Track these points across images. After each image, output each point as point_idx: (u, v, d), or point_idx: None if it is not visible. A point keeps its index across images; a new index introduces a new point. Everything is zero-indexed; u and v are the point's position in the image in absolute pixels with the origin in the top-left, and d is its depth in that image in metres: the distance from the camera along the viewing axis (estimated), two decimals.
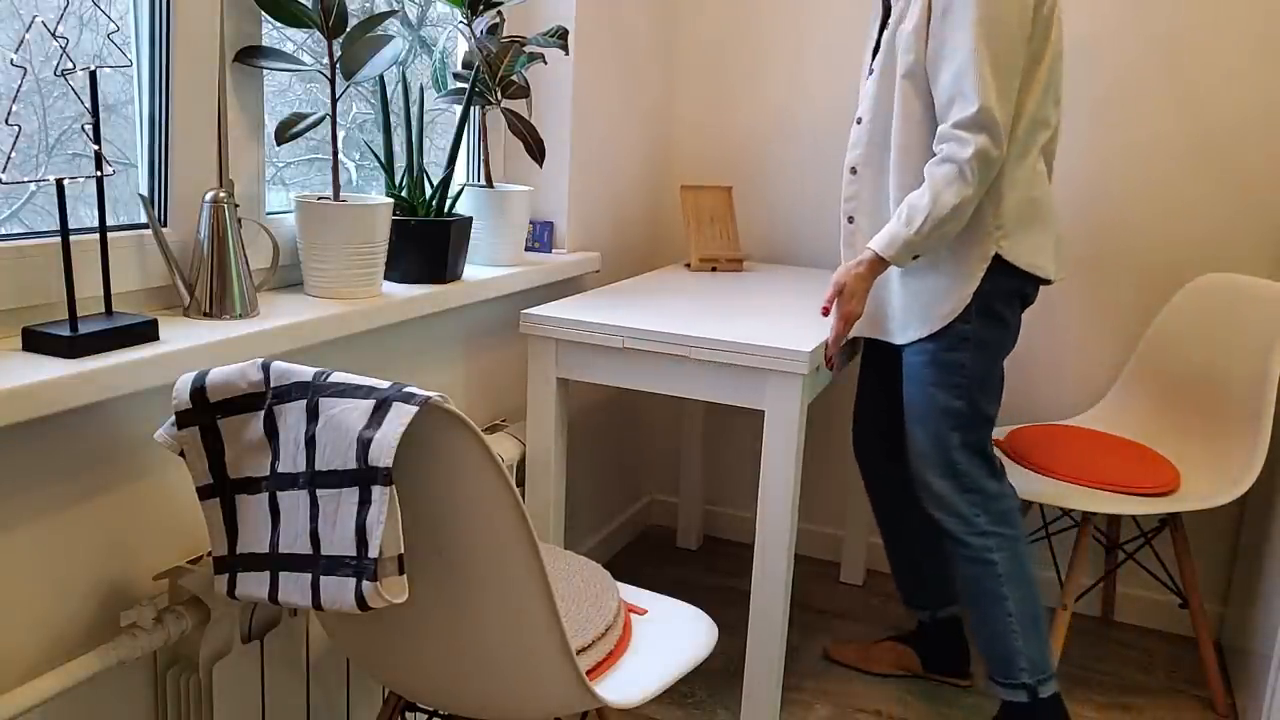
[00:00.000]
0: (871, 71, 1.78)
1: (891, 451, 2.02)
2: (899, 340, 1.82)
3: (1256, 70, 2.20)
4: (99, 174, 1.17)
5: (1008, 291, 1.75)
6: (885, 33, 1.74)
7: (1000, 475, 1.83)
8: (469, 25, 1.81)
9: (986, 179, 1.63)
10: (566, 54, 2.02)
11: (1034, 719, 1.84)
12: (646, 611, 1.43)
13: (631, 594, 1.48)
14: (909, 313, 1.79)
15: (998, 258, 1.71)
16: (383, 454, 0.94)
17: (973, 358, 1.76)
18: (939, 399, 1.78)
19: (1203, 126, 2.25)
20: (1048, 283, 1.77)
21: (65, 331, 1.12)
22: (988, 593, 1.82)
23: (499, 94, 1.88)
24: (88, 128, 1.16)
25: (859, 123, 1.81)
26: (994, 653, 1.85)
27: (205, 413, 1.07)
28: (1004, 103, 1.62)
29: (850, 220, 1.84)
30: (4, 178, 1.06)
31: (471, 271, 1.88)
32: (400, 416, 0.95)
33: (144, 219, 1.36)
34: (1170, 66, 2.25)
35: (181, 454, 1.09)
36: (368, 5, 1.79)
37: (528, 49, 1.86)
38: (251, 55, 1.44)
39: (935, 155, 1.66)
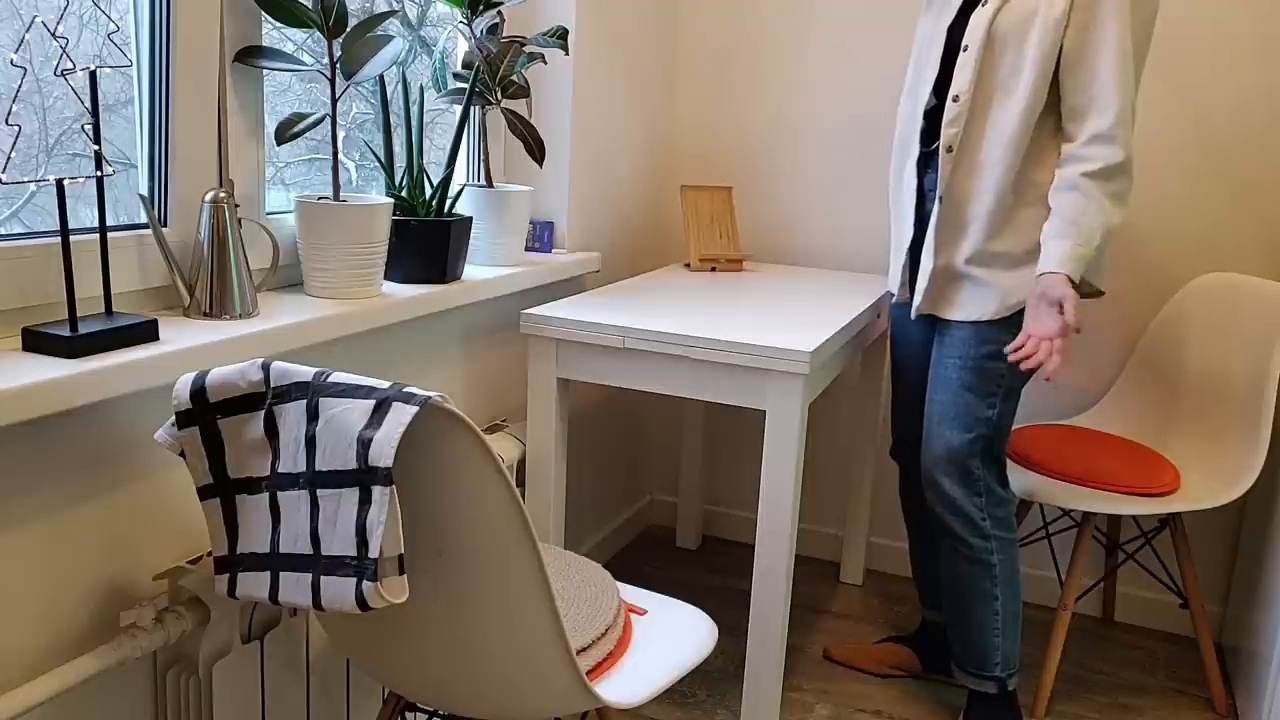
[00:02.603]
0: (965, 48, 1.71)
1: None
2: (946, 314, 1.82)
3: (1256, 69, 2.19)
4: (99, 174, 1.17)
5: None
6: (982, 9, 1.70)
7: (1005, 480, 1.85)
8: (469, 25, 1.81)
9: (1130, 170, 1.67)
10: (566, 54, 2.02)
11: (1001, 709, 1.89)
12: (646, 611, 1.43)
13: (631, 594, 1.48)
14: (972, 291, 1.78)
15: None
16: (383, 454, 0.94)
17: (1011, 370, 1.78)
18: (972, 405, 1.79)
19: (1203, 126, 2.25)
20: (1099, 294, 1.80)
21: (65, 331, 1.12)
22: (981, 592, 1.84)
23: (499, 94, 1.88)
24: (88, 128, 1.16)
25: (955, 100, 1.73)
26: (972, 647, 1.88)
27: (205, 413, 1.07)
28: (1135, 90, 1.66)
29: (941, 200, 1.79)
30: (4, 178, 1.06)
31: (471, 271, 1.88)
32: (400, 416, 0.95)
33: (144, 219, 1.36)
34: (1169, 66, 2.25)
35: (181, 454, 1.09)
36: (368, 5, 1.79)
37: (528, 49, 1.86)
38: (251, 55, 1.44)
39: (1081, 159, 1.65)
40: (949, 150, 1.76)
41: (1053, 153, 1.72)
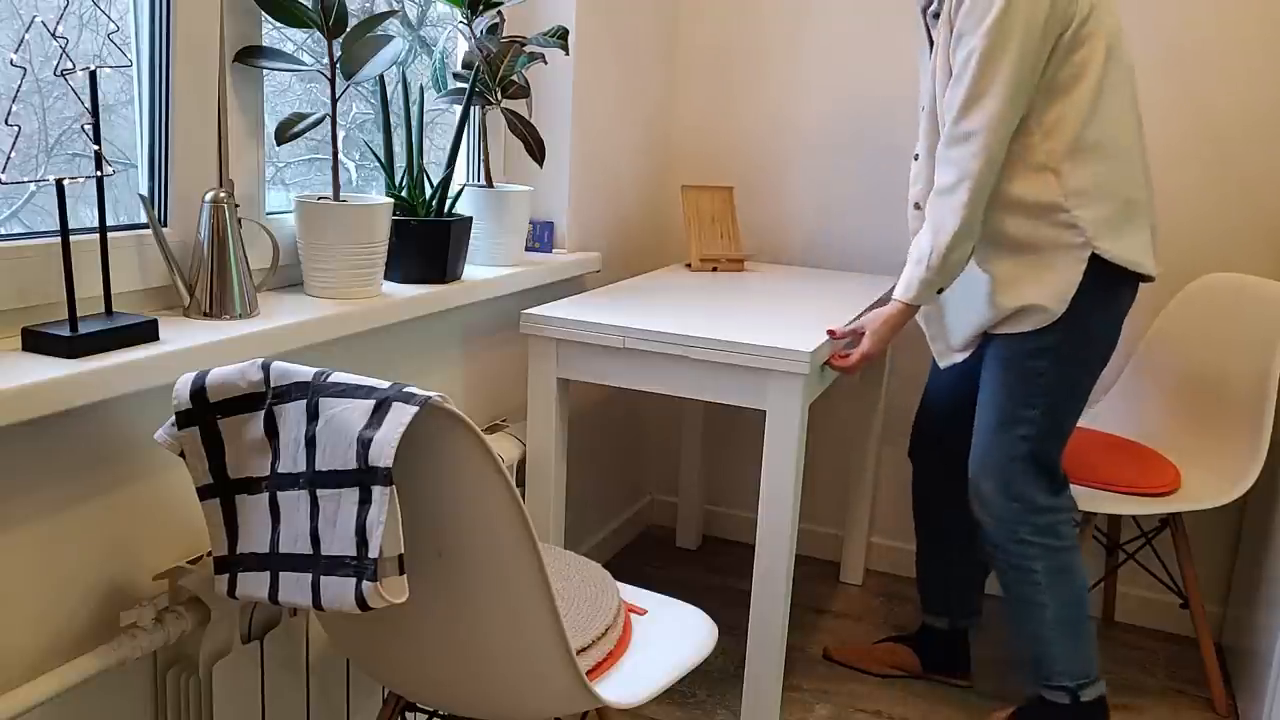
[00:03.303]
0: (923, 108, 1.76)
1: (952, 451, 2.00)
2: (968, 333, 1.81)
3: (1258, 70, 2.19)
4: (99, 174, 1.17)
5: (1101, 300, 1.71)
6: (929, 67, 1.72)
7: (1057, 489, 1.79)
8: (469, 25, 1.81)
9: (980, 195, 1.62)
10: (566, 54, 2.02)
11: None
12: (646, 611, 1.43)
13: (631, 594, 1.48)
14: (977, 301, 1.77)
15: (1095, 259, 1.67)
16: (383, 454, 0.94)
17: (1054, 368, 1.72)
18: (1010, 407, 1.75)
19: (1205, 126, 2.25)
20: (1149, 279, 1.73)
21: (65, 331, 1.12)
22: (1024, 598, 1.81)
23: (499, 94, 1.88)
24: (88, 128, 1.16)
25: (916, 158, 1.79)
26: (1034, 654, 1.84)
27: (205, 413, 1.07)
28: (996, 115, 1.59)
29: None
30: (4, 178, 1.06)
31: (471, 271, 1.88)
32: (400, 416, 0.95)
33: (144, 219, 1.36)
34: (1172, 67, 2.25)
35: (181, 454, 1.09)
36: (368, 5, 1.79)
37: (528, 49, 1.86)
38: (251, 55, 1.44)
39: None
40: (916, 207, 1.80)
41: (1007, 197, 1.69)
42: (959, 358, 1.88)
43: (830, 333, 1.77)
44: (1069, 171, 1.66)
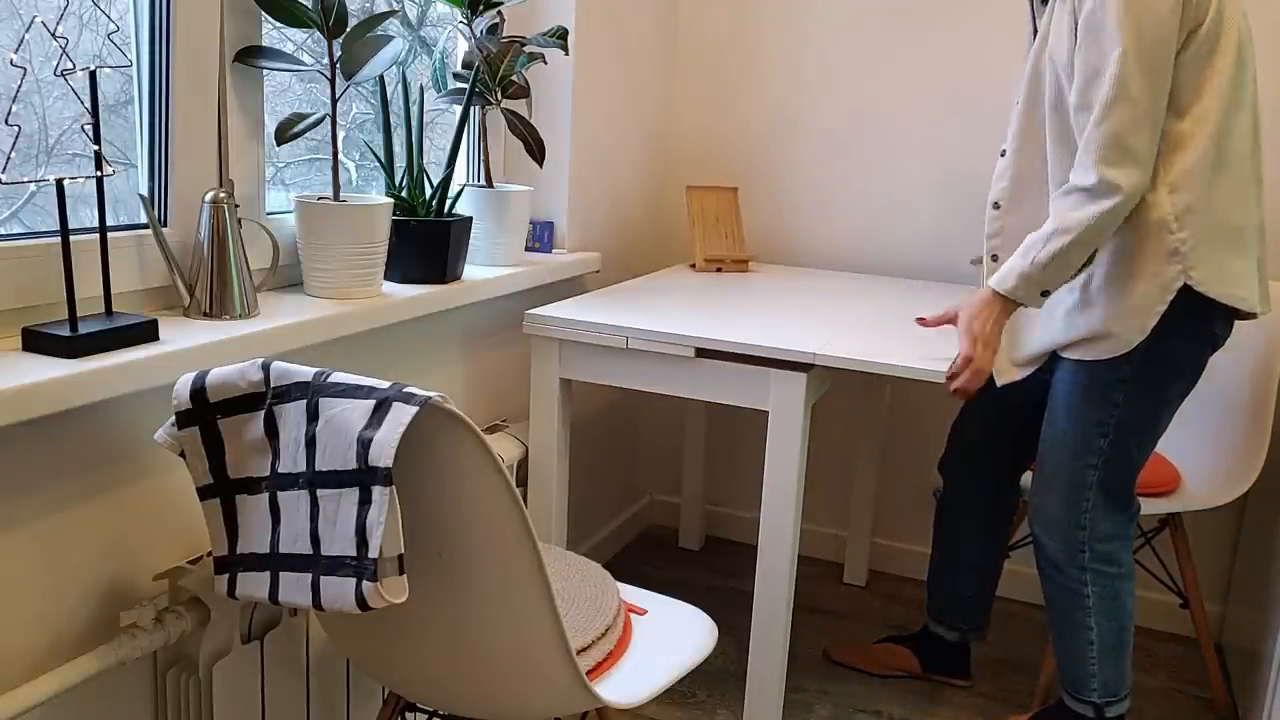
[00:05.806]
0: (1017, 101, 1.67)
1: (987, 468, 1.97)
2: (1034, 349, 1.73)
3: (1263, 69, 2.19)
4: (99, 174, 1.17)
5: (1189, 332, 1.60)
6: (1032, 57, 1.64)
7: (1126, 516, 1.73)
8: (469, 25, 1.81)
9: (1121, 204, 1.49)
10: (566, 54, 2.02)
11: None
12: (647, 611, 1.43)
13: (632, 594, 1.48)
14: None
15: (1186, 289, 1.55)
16: (383, 454, 0.94)
17: (1129, 400, 1.63)
18: (1078, 436, 1.67)
19: None
20: (1248, 316, 1.61)
21: (65, 331, 1.12)
22: (1072, 620, 1.76)
23: (499, 94, 1.88)
24: (88, 128, 1.16)
25: (1003, 155, 1.70)
26: (1069, 669, 1.81)
27: (205, 413, 1.07)
28: (1143, 115, 1.47)
29: (994, 259, 1.73)
30: (4, 178, 1.06)
31: (471, 271, 1.88)
32: (400, 417, 0.95)
33: (144, 219, 1.36)
34: None
35: (181, 454, 1.09)
36: (368, 5, 1.79)
37: (528, 49, 1.86)
38: (251, 55, 1.44)
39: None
40: (995, 207, 1.71)
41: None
42: (1018, 375, 1.77)
43: (920, 321, 1.69)
44: (1187, 187, 1.53)
